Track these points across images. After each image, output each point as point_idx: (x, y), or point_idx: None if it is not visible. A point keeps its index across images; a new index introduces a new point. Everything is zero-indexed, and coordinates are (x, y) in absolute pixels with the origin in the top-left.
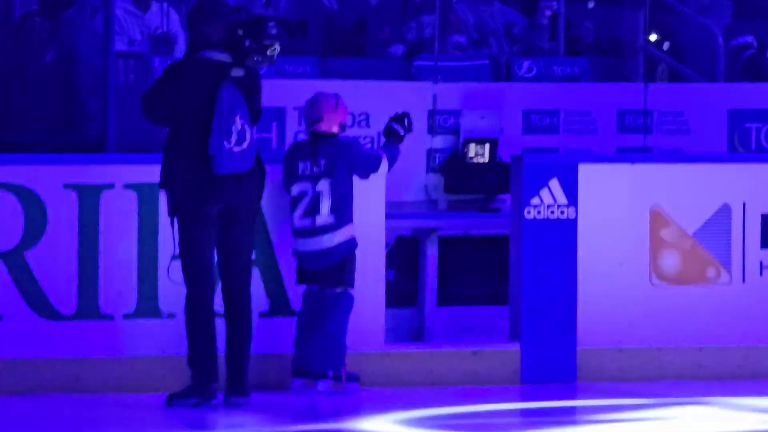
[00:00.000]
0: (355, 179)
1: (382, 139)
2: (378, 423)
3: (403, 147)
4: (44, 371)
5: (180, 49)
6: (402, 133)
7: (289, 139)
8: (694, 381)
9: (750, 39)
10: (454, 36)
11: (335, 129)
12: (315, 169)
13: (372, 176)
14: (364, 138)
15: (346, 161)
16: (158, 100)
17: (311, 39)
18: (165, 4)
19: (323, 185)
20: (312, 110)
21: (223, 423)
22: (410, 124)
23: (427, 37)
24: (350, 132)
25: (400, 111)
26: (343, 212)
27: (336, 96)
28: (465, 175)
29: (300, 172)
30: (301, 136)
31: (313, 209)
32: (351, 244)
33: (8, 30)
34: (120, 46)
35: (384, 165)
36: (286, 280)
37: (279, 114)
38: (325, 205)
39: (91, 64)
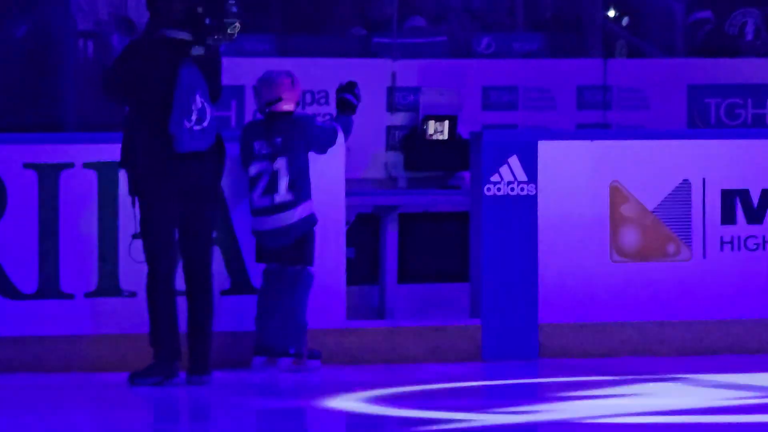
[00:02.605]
0: (311, 155)
1: None
2: (339, 400)
3: (363, 124)
4: (5, 350)
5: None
6: (355, 104)
7: (248, 118)
8: (656, 357)
9: (708, 14)
10: (412, 18)
11: (293, 106)
12: (271, 148)
13: (330, 151)
14: (324, 116)
15: (302, 138)
16: (118, 78)
17: (270, 17)
18: None
19: (280, 163)
20: (269, 91)
21: (185, 401)
22: (359, 92)
23: (386, 14)
24: (309, 110)
25: (346, 81)
26: (300, 189)
27: (290, 74)
28: (425, 152)
29: (256, 151)
30: (258, 115)
31: (272, 188)
32: (310, 220)
33: None
34: (85, 25)
35: (340, 137)
36: (247, 259)
37: (238, 92)
38: (283, 183)
39: (60, 42)
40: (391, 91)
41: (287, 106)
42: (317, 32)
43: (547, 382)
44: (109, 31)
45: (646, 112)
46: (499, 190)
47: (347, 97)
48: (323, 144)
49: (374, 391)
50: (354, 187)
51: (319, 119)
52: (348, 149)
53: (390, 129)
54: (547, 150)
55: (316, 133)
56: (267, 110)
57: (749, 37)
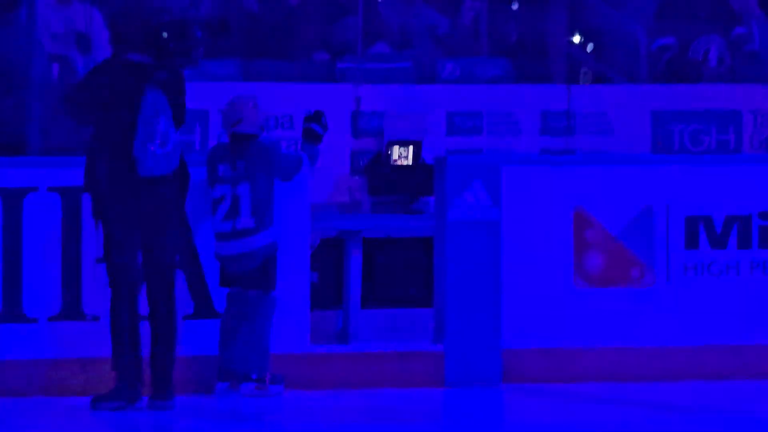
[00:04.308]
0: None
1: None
2: (302, 425)
3: (328, 149)
4: None
5: (102, 49)
6: (321, 133)
7: (212, 142)
8: (619, 382)
9: (672, 40)
10: (377, 44)
11: (256, 130)
12: (233, 171)
13: (295, 178)
14: (288, 140)
15: (266, 164)
16: (80, 98)
17: (234, 41)
18: (87, 5)
19: (243, 188)
20: (231, 112)
21: (147, 426)
22: (326, 122)
23: (350, 39)
24: (274, 134)
25: (313, 110)
26: (263, 215)
27: (253, 98)
28: (389, 177)
29: (220, 174)
30: (224, 139)
31: (233, 212)
32: (272, 247)
33: None
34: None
35: (305, 166)
36: (210, 283)
37: (202, 116)
38: (245, 209)
39: (24, 65)
40: (355, 115)
41: (248, 128)
42: (281, 57)
43: (510, 408)
44: (66, 45)
45: (610, 138)
46: (462, 214)
47: (313, 128)
48: (288, 172)
49: (337, 416)
50: (318, 211)
51: (286, 146)
52: (310, 172)
53: (354, 154)
54: (511, 175)
55: (281, 160)
56: (231, 132)
57: (713, 63)
